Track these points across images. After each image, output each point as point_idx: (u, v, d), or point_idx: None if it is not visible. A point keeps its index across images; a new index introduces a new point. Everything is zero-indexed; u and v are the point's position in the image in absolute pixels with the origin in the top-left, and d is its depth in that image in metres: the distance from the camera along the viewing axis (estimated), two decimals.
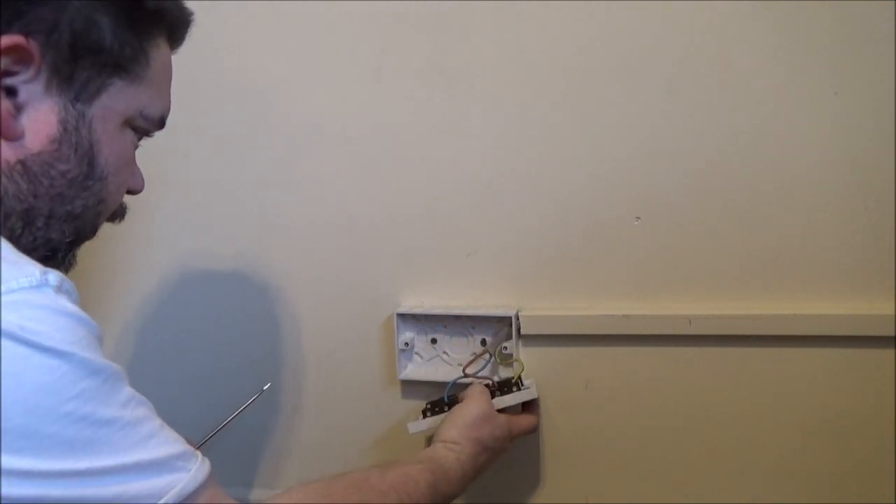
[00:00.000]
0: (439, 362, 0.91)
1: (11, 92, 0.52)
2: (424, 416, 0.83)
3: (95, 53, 0.54)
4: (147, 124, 0.60)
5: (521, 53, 0.83)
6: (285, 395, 0.97)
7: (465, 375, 0.85)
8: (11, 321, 0.43)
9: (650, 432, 0.85)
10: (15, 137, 0.52)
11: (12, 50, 0.51)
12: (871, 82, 0.74)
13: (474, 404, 0.78)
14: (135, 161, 0.62)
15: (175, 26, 0.62)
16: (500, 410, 0.79)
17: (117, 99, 0.57)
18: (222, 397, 0.92)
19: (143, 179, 0.64)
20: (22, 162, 0.53)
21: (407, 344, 0.90)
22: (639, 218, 0.82)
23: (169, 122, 0.63)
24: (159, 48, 0.60)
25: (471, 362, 0.85)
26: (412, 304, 0.91)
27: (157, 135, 0.64)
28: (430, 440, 0.78)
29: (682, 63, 0.78)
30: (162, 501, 0.47)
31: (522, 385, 0.82)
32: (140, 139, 0.62)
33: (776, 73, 0.76)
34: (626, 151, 0.81)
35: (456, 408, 0.78)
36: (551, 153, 0.84)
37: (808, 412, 0.80)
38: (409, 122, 0.88)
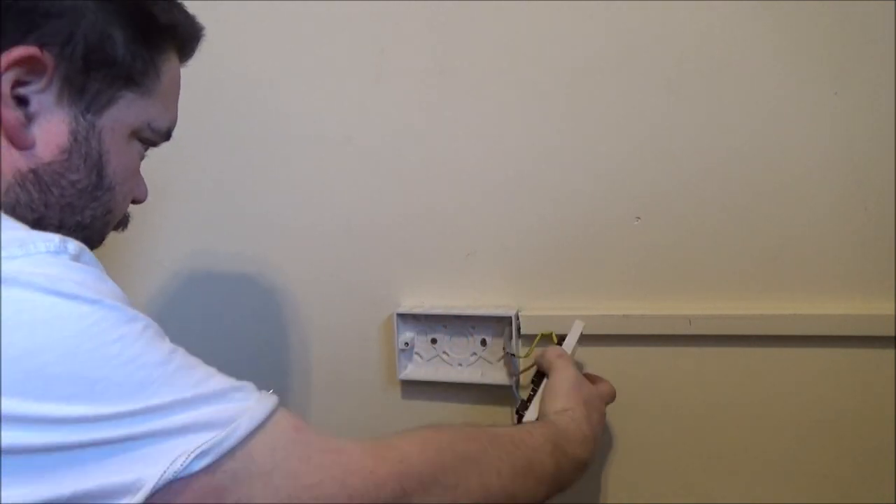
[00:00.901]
0: (439, 362, 0.91)
1: (23, 101, 0.52)
2: (520, 414, 0.78)
3: (108, 66, 0.55)
4: (154, 136, 0.61)
5: (521, 53, 0.83)
6: (285, 395, 0.97)
7: (513, 374, 0.84)
8: (33, 273, 0.43)
9: (650, 432, 0.85)
10: (26, 147, 0.53)
11: (26, 61, 0.51)
12: (871, 82, 0.74)
13: (563, 372, 0.74)
14: (139, 171, 0.64)
15: (186, 41, 0.63)
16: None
17: (127, 111, 0.57)
18: None
19: (146, 189, 0.65)
20: (34, 171, 0.53)
21: (407, 344, 0.90)
22: (639, 218, 0.82)
23: None
24: (170, 62, 0.61)
25: (524, 371, 0.84)
26: (412, 304, 0.91)
27: None
28: None
29: (682, 63, 0.78)
30: (232, 426, 0.45)
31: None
32: (146, 150, 0.63)
33: (776, 73, 0.76)
34: (626, 151, 0.81)
35: (549, 382, 0.75)
36: (551, 153, 0.84)
37: (808, 412, 0.80)
38: (409, 122, 0.88)
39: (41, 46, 0.52)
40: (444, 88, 0.86)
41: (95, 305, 0.44)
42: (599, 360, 0.85)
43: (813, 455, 0.80)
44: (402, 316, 0.90)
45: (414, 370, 0.91)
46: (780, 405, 0.81)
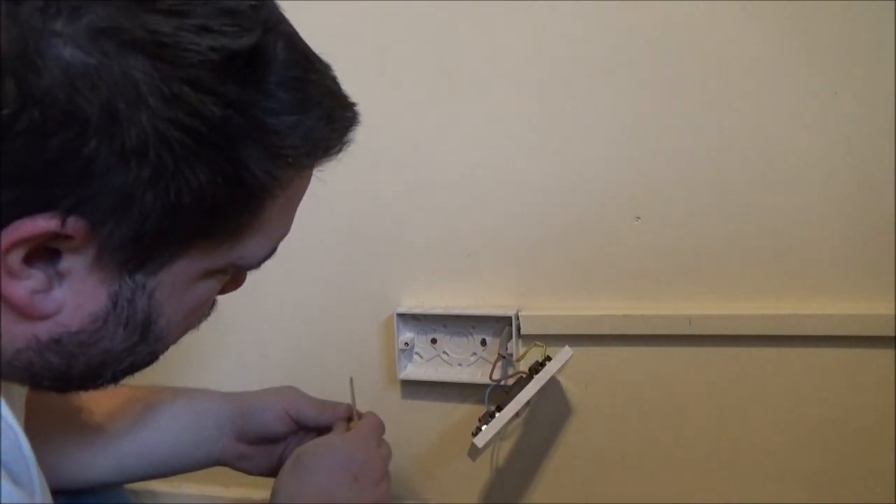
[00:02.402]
0: (439, 362, 0.91)
1: (54, 253, 0.38)
2: (479, 431, 0.79)
3: (170, 233, 0.40)
4: (239, 271, 0.48)
5: (521, 53, 0.83)
6: None
7: (492, 381, 0.84)
8: None
9: (650, 432, 0.85)
10: (46, 316, 0.40)
11: (42, 238, 0.37)
12: (871, 82, 0.74)
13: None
14: (219, 285, 0.48)
15: (320, 157, 0.49)
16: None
17: (200, 261, 0.43)
18: None
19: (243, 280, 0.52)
20: (56, 341, 0.41)
21: (407, 344, 0.90)
22: (639, 218, 0.82)
23: None
24: (277, 192, 0.43)
25: (492, 369, 0.85)
26: (412, 304, 0.91)
27: None
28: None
29: (682, 63, 0.78)
30: None
31: (549, 360, 0.81)
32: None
33: (776, 73, 0.76)
34: (626, 151, 0.81)
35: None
36: (552, 153, 0.84)
37: (808, 412, 0.80)
38: (410, 122, 0.88)
39: (66, 216, 0.36)
40: (444, 88, 0.86)
41: None
42: (600, 360, 0.85)
43: (813, 455, 0.80)
44: (402, 316, 0.90)
45: (414, 370, 0.91)
46: (780, 405, 0.81)
